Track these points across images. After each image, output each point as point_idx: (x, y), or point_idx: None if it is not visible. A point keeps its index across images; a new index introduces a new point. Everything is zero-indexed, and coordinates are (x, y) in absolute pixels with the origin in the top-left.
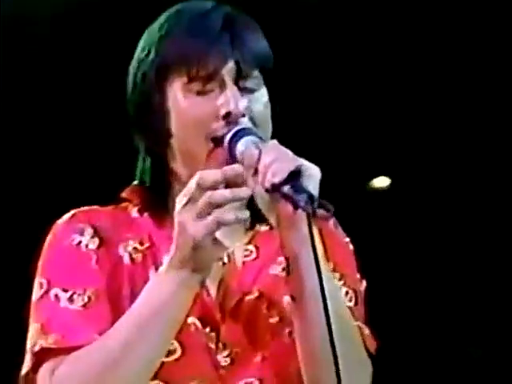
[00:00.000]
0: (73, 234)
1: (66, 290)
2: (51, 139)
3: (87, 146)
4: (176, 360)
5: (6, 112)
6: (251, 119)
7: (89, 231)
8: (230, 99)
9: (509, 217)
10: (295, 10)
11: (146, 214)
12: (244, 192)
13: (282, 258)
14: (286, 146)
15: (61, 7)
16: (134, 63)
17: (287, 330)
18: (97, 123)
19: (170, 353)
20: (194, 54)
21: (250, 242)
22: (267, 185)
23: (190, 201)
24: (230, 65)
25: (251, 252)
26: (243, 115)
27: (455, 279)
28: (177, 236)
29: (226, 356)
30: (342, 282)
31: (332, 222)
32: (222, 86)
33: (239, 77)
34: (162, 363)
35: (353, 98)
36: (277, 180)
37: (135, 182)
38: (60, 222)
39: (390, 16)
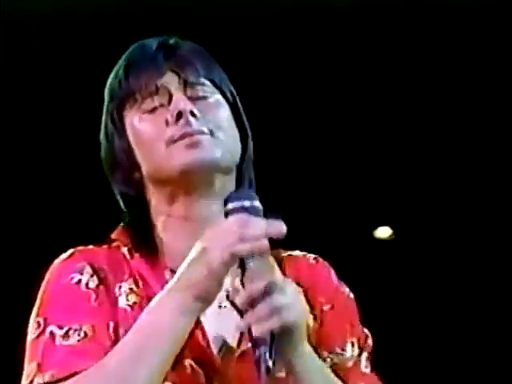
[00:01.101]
0: (72, 272)
1: (61, 327)
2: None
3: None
4: None
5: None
6: (207, 122)
7: (87, 270)
8: (178, 102)
9: None
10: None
11: (136, 255)
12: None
13: None
14: (290, 199)
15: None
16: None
17: None
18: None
19: None
20: (132, 77)
21: None
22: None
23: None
24: (171, 76)
25: None
26: (193, 114)
27: (460, 329)
28: (194, 257)
29: None
30: (358, 349)
31: (333, 273)
32: (170, 99)
33: (185, 86)
34: None
35: (356, 149)
36: (254, 337)
37: (124, 222)
38: (58, 261)
39: (393, 72)
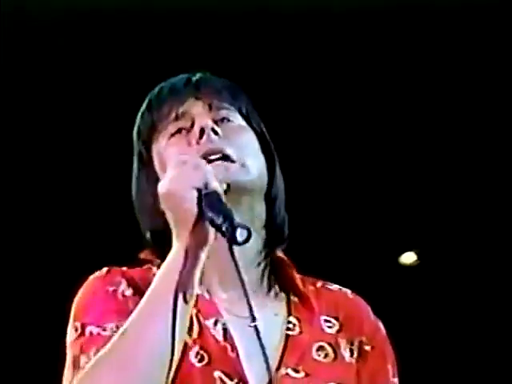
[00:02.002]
0: (108, 285)
1: (99, 326)
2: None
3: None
4: None
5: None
6: (231, 144)
7: (124, 283)
8: (200, 122)
9: None
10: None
11: None
12: None
13: (322, 343)
14: (314, 225)
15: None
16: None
17: None
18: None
19: None
20: (154, 109)
21: (290, 314)
22: None
23: None
24: (192, 102)
25: (294, 325)
26: (215, 132)
27: (487, 354)
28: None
29: None
30: None
31: (370, 310)
32: (193, 122)
33: (210, 110)
34: None
35: (379, 174)
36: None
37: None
38: (94, 276)
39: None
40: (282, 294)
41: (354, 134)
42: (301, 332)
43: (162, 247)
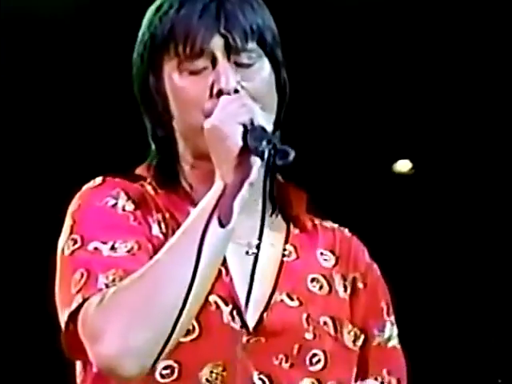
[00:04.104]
0: (107, 197)
1: (105, 243)
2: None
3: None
4: (192, 340)
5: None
6: (248, 94)
7: (122, 195)
8: (220, 76)
9: None
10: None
11: (161, 192)
12: None
13: (317, 275)
14: (308, 133)
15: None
16: (136, 44)
17: (311, 353)
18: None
19: (187, 332)
20: (179, 31)
21: (286, 242)
22: None
23: None
24: (218, 40)
25: (290, 252)
26: (236, 91)
27: (479, 264)
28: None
29: (248, 341)
30: (395, 325)
31: (366, 251)
32: (214, 63)
33: (231, 51)
34: (178, 343)
35: (375, 82)
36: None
37: (149, 160)
38: (90, 185)
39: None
40: (283, 224)
41: (350, 41)
42: (297, 258)
43: (163, 157)
